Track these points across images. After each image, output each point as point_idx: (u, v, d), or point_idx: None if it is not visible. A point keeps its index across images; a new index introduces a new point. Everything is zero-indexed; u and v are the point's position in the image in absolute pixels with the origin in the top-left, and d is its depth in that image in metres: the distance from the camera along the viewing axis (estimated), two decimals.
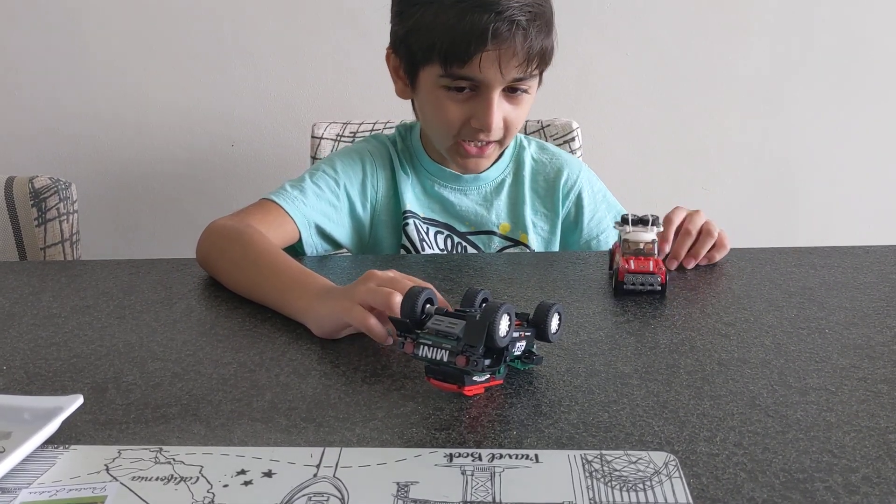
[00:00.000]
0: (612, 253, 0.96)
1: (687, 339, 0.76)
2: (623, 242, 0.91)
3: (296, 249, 1.10)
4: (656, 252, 0.90)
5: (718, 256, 0.99)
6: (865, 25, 1.72)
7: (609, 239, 1.22)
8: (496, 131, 1.06)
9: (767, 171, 1.81)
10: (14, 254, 1.15)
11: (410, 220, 1.14)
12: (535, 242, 1.19)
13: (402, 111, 1.19)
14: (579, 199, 1.21)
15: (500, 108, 1.04)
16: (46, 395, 0.64)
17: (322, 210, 1.10)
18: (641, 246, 0.90)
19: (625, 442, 0.57)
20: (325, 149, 1.46)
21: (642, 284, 0.87)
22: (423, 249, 1.14)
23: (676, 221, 0.99)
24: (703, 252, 0.97)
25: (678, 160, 1.79)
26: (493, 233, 1.17)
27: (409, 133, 1.21)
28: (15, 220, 1.12)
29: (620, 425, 0.60)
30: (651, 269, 0.87)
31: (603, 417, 0.61)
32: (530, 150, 1.22)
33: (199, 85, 1.68)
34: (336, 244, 1.16)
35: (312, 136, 1.48)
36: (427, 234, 1.16)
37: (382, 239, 1.17)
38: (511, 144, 1.18)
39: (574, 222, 1.22)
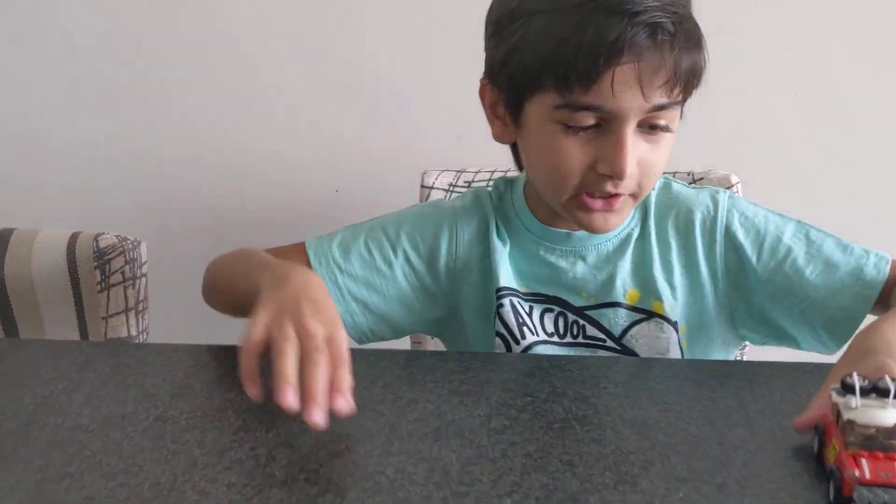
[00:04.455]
0: (820, 430, 0.61)
1: None
2: (845, 425, 0.56)
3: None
4: None
5: None
6: None
7: (805, 264, 0.88)
8: (630, 179, 0.80)
9: None
10: (73, 323, 1.00)
11: (506, 300, 0.90)
12: (675, 310, 0.90)
13: None
14: (729, 236, 0.91)
15: (636, 149, 0.79)
16: None
17: (368, 282, 0.92)
18: (874, 431, 0.55)
19: None
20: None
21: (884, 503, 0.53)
22: (525, 337, 0.89)
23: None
24: None
25: (862, 220, 1.49)
26: (618, 304, 0.91)
27: (509, 188, 0.97)
28: (76, 285, 0.97)
29: None
30: None
31: None
32: (654, 190, 0.94)
33: (294, 128, 1.53)
34: (397, 328, 0.96)
35: (422, 186, 1.29)
36: (531, 314, 0.92)
37: (469, 325, 0.95)
38: None
39: (739, 268, 0.91)
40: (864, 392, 0.56)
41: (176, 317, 1.56)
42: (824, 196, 1.49)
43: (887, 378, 0.57)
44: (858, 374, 0.57)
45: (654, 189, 0.93)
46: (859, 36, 1.43)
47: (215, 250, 1.57)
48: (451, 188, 1.29)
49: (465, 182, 1.29)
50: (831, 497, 0.56)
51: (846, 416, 0.56)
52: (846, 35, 1.43)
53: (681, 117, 0.85)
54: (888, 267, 0.88)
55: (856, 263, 0.88)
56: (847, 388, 0.57)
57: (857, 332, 0.74)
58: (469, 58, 1.47)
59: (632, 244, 0.92)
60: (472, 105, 1.47)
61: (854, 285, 0.87)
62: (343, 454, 0.62)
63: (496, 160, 1.30)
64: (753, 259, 0.90)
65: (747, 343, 1.05)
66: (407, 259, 0.93)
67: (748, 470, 0.60)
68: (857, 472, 0.53)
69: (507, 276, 0.91)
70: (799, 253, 0.89)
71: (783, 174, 1.48)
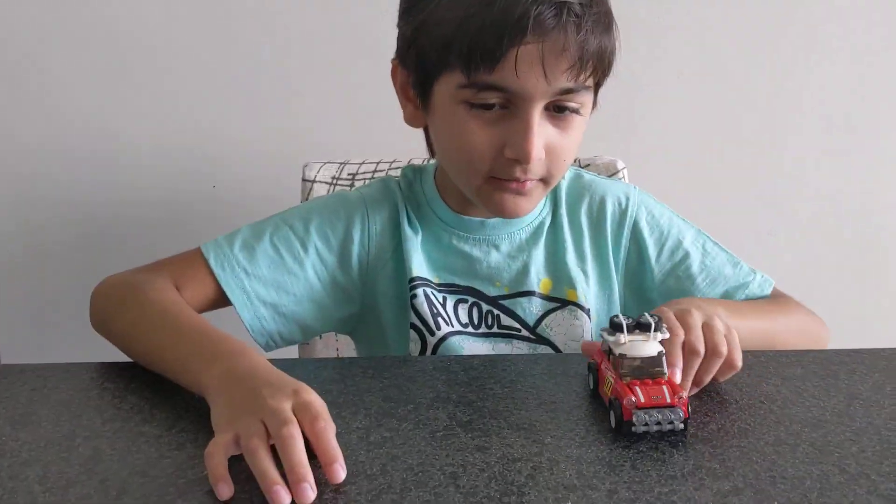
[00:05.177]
0: (593, 368, 0.69)
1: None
2: (617, 360, 0.64)
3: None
4: (665, 370, 0.64)
5: (723, 378, 0.70)
6: None
7: (698, 272, 0.92)
8: (538, 164, 0.78)
9: (847, 219, 1.53)
10: None
11: (419, 290, 0.87)
12: (588, 297, 0.90)
13: (420, 149, 0.93)
14: (636, 231, 0.93)
15: (542, 132, 0.77)
16: None
17: (278, 283, 0.86)
18: (641, 362, 0.63)
19: None
20: (319, 195, 1.20)
21: (658, 424, 0.61)
22: (440, 328, 0.86)
23: (681, 334, 0.68)
24: (708, 378, 0.68)
25: (741, 203, 1.51)
26: (532, 294, 0.90)
27: (418, 177, 0.94)
28: None
29: None
30: (668, 401, 0.61)
31: None
32: (565, 180, 0.94)
33: (173, 118, 1.43)
34: (308, 329, 0.90)
35: (304, 179, 1.23)
36: (445, 305, 0.89)
37: (383, 318, 0.91)
38: None
39: (639, 263, 0.93)
40: (630, 329, 0.64)
41: (21, 333, 1.45)
42: (708, 181, 1.51)
43: (647, 314, 0.65)
44: (624, 315, 0.65)
45: (564, 179, 0.93)
46: (741, 17, 1.44)
47: (88, 257, 1.47)
48: (334, 181, 1.23)
49: (349, 174, 1.24)
50: (612, 424, 0.63)
51: (617, 351, 0.64)
52: (728, 16, 1.44)
53: (595, 106, 0.83)
54: (771, 289, 0.93)
55: (743, 280, 0.93)
56: (615, 327, 0.65)
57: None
58: (352, 45, 1.42)
59: (545, 232, 0.92)
60: (356, 95, 1.42)
61: (738, 300, 0.91)
62: (205, 480, 0.56)
63: (380, 152, 1.26)
64: (653, 258, 0.92)
65: None
66: (318, 255, 0.88)
67: (636, 472, 0.58)
68: (633, 399, 0.61)
69: (419, 266, 0.88)
70: (695, 260, 0.92)
71: (668, 159, 1.49)
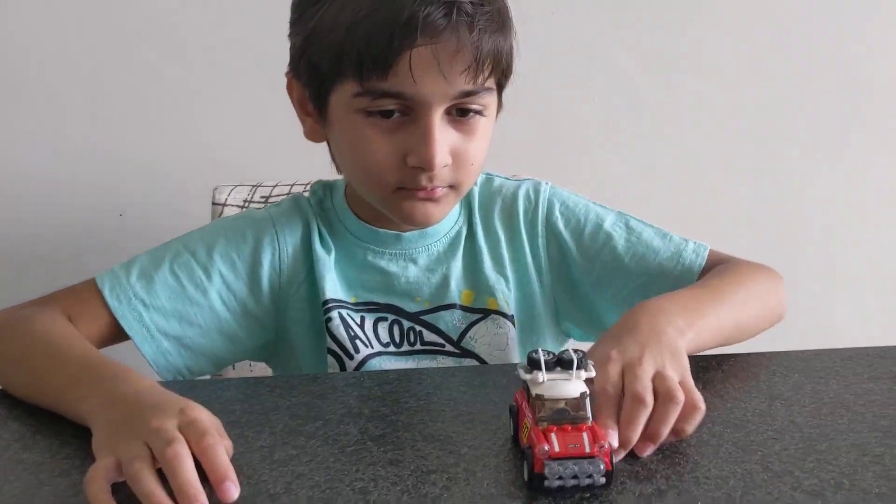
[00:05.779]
0: (514, 411, 0.59)
1: None
2: (534, 401, 0.54)
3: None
4: (589, 413, 0.54)
5: (690, 428, 0.59)
6: (870, 67, 1.49)
7: (625, 252, 0.87)
8: (444, 171, 0.75)
9: (761, 225, 1.55)
10: None
11: (334, 313, 0.82)
12: (510, 303, 0.87)
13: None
14: (550, 226, 0.89)
15: (446, 138, 0.74)
16: None
17: (180, 314, 0.80)
18: (563, 405, 0.54)
19: None
20: None
21: (575, 477, 0.51)
22: (358, 350, 0.82)
23: (613, 376, 0.60)
24: (666, 430, 0.58)
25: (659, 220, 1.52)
26: (453, 306, 0.86)
27: (328, 192, 0.90)
28: None
29: None
30: (588, 450, 0.52)
31: None
32: (476, 185, 0.91)
33: (71, 144, 1.36)
34: (219, 361, 0.85)
35: (214, 203, 1.18)
36: (363, 325, 0.84)
37: (299, 345, 0.86)
38: None
39: (561, 259, 0.89)
40: (549, 366, 0.55)
41: None
42: (632, 199, 1.51)
43: (570, 350, 0.56)
44: (544, 350, 0.55)
45: (476, 185, 0.90)
46: (652, 39, 1.46)
47: None
48: (245, 204, 1.19)
49: (262, 197, 1.19)
50: (525, 476, 0.53)
51: (534, 391, 0.54)
52: (638, 37, 1.46)
53: (500, 108, 0.81)
54: (707, 253, 0.89)
55: (675, 249, 0.88)
56: (533, 364, 0.55)
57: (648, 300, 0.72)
58: (258, 59, 1.38)
59: (462, 243, 0.88)
60: (267, 112, 1.38)
61: (674, 270, 0.87)
62: None
63: (296, 172, 1.22)
64: (574, 249, 0.89)
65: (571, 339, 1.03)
66: (224, 282, 0.82)
67: None
68: (546, 447, 0.51)
69: (333, 287, 0.84)
70: (619, 241, 0.88)
71: (588, 178, 1.49)
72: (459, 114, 0.76)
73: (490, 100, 0.77)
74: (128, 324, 0.78)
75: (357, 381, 0.72)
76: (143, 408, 0.56)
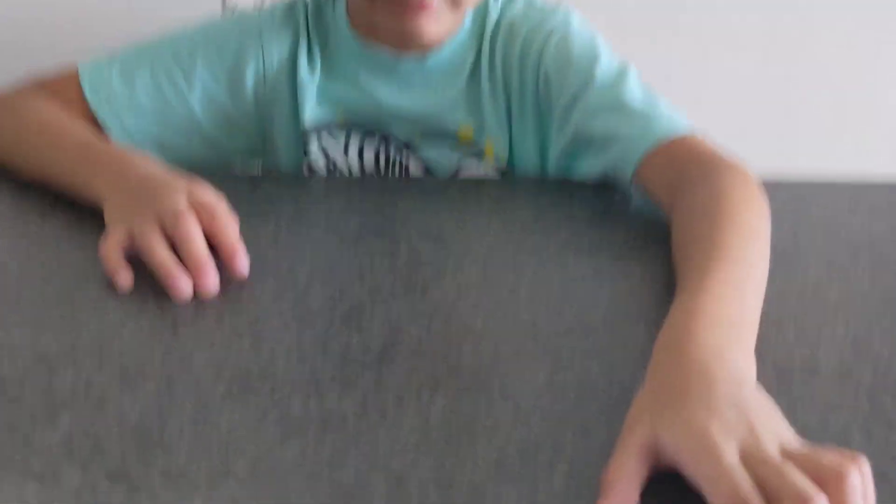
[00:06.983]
0: None
1: None
2: None
3: None
4: None
5: None
6: None
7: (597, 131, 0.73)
8: None
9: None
10: None
11: (314, 146, 0.81)
12: (504, 148, 0.80)
13: None
14: (544, 77, 0.78)
15: None
16: None
17: (159, 117, 0.79)
18: None
19: None
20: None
21: None
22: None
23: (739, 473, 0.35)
24: None
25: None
26: (448, 140, 0.80)
27: (329, 2, 0.83)
28: None
29: None
30: None
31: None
32: (496, 8, 0.80)
33: None
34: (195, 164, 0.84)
35: (224, 7, 1.17)
36: (347, 151, 0.82)
37: (281, 158, 0.84)
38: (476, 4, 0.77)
39: (547, 104, 0.78)
40: None
41: None
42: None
43: None
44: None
45: (497, 4, 0.81)
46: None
47: None
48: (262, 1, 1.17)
49: None
50: None
51: None
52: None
53: None
54: (686, 132, 0.69)
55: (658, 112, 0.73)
56: None
57: (664, 336, 0.44)
58: None
59: (467, 71, 0.80)
60: None
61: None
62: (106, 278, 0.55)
63: None
64: (555, 107, 0.78)
65: None
66: (205, 91, 0.80)
67: (537, 276, 0.59)
68: None
69: (313, 115, 0.81)
70: (599, 124, 0.74)
71: None
72: None
73: None
74: (107, 122, 0.78)
75: (358, 183, 0.75)
76: (154, 185, 0.59)
